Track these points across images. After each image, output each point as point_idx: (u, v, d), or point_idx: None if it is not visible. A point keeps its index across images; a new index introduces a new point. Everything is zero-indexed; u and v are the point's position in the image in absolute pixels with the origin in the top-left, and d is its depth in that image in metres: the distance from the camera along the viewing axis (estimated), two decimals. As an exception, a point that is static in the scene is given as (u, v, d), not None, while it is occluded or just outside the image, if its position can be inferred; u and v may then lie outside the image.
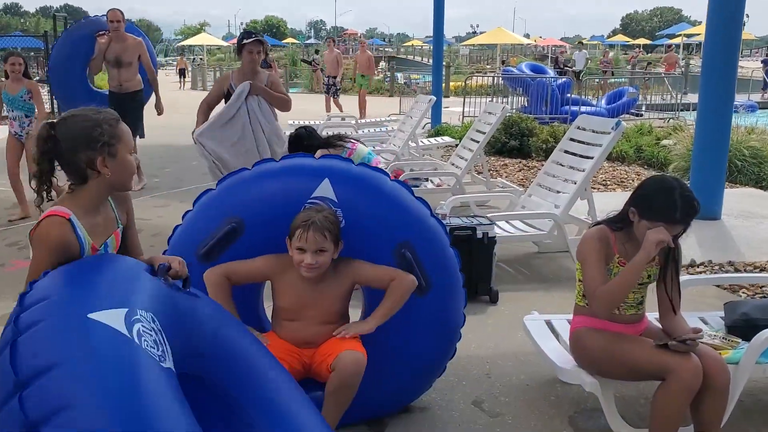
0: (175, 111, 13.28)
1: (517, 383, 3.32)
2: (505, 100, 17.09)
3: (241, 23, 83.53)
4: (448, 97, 21.51)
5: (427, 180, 6.81)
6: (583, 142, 5.16)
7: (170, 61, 42.72)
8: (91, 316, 1.61)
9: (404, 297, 2.68)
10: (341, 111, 14.57)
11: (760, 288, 4.53)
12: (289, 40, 64.86)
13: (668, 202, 2.48)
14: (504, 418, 3.01)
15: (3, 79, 6.79)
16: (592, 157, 4.90)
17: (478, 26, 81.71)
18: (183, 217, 2.88)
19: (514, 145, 10.15)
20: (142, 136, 7.72)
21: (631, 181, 8.50)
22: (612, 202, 7.15)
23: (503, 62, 29.14)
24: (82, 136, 1.99)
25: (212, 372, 2.05)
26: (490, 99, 17.26)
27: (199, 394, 1.96)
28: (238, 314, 2.62)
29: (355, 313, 2.96)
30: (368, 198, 2.76)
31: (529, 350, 3.42)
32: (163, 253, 2.85)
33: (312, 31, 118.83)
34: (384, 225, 2.73)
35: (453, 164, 7.06)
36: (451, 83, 23.29)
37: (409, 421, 2.98)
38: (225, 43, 51.11)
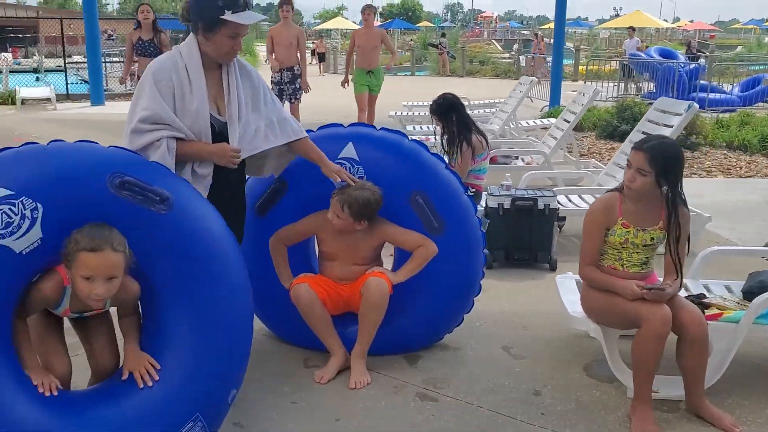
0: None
1: (548, 335, 3.67)
2: (638, 86, 16.92)
3: (378, 7, 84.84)
4: (576, 81, 21.31)
5: (517, 158, 7.12)
6: (657, 123, 5.31)
7: (309, 45, 44.35)
8: None
9: (426, 261, 3.21)
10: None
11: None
12: (424, 23, 65.26)
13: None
14: (525, 361, 3.39)
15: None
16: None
17: (621, 9, 78.59)
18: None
19: (626, 129, 10.12)
20: None
21: (737, 170, 8.33)
22: (710, 188, 7.17)
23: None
24: None
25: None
26: (615, 84, 17.19)
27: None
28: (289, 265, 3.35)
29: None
30: (386, 155, 3.31)
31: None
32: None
33: (449, 14, 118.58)
34: (400, 177, 3.26)
35: (544, 143, 7.30)
36: (585, 67, 22.87)
37: (441, 356, 3.43)
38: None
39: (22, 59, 29.75)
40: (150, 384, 2.32)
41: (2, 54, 29.30)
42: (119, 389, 2.34)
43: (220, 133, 2.80)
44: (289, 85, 8.60)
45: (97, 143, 2.48)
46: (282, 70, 8.53)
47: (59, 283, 2.29)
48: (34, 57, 28.27)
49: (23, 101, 14.28)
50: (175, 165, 2.68)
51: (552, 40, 15.93)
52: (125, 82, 9.59)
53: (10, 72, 17.24)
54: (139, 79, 7.78)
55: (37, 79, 18.25)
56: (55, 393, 2.26)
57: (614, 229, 2.92)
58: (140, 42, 8.22)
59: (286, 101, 8.56)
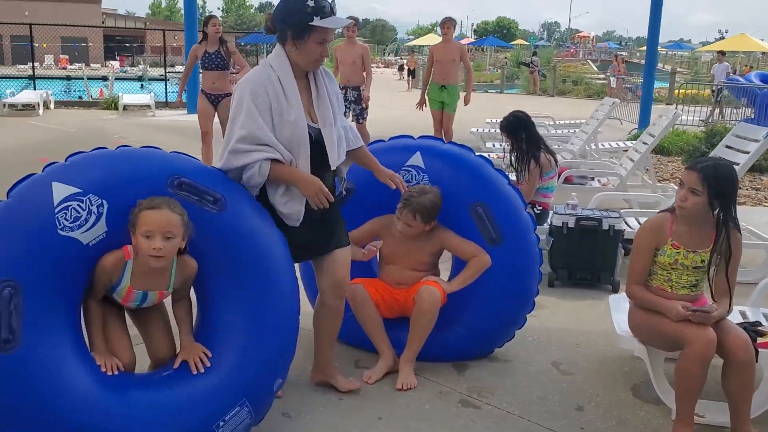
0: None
1: (599, 354, 3.66)
2: (735, 111, 16.36)
3: (473, 24, 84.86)
4: (671, 104, 20.76)
5: (593, 179, 7.04)
6: (735, 149, 5.18)
7: (398, 60, 44.83)
8: (53, 183, 2.36)
9: (480, 271, 3.32)
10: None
11: None
12: (518, 41, 64.82)
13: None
14: (573, 377, 3.40)
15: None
16: (738, 163, 4.92)
17: (727, 31, 75.43)
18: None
19: (715, 155, 9.84)
20: None
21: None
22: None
23: (734, 71, 27.03)
24: None
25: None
26: (710, 109, 16.71)
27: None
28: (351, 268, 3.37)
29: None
30: (451, 167, 3.44)
31: (624, 330, 3.73)
32: None
33: (545, 33, 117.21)
34: (462, 187, 3.39)
35: (622, 165, 7.20)
36: (683, 90, 22.23)
37: (489, 366, 3.49)
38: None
39: (129, 67, 31.61)
40: (203, 371, 2.52)
41: (110, 62, 31.18)
42: (173, 374, 2.55)
43: (316, 141, 2.79)
44: (355, 105, 8.49)
45: (160, 148, 2.71)
46: (347, 88, 8.41)
47: (120, 258, 2.47)
48: (140, 66, 29.98)
49: (125, 107, 15.19)
50: (269, 184, 2.77)
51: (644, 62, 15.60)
52: (180, 102, 8.54)
53: (116, 79, 18.38)
54: (203, 92, 7.74)
55: (142, 86, 19.46)
56: (116, 372, 2.47)
57: (664, 249, 2.91)
58: (206, 55, 7.70)
59: (353, 121, 8.45)
